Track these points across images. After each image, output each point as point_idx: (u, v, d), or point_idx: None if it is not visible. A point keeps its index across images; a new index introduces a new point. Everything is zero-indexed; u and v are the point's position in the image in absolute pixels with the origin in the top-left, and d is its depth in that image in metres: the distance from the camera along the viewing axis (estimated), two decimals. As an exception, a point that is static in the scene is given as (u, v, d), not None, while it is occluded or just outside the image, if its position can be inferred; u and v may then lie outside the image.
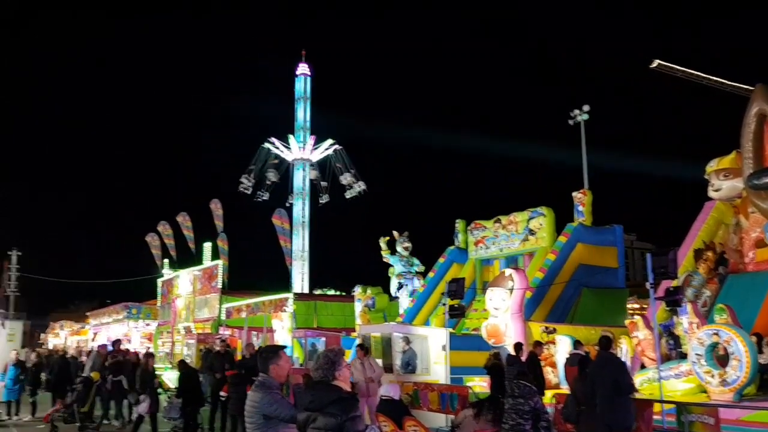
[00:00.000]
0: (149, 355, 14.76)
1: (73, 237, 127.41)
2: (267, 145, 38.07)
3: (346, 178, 37.86)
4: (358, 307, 21.88)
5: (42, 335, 51.31)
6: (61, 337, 46.02)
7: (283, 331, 22.10)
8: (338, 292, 32.77)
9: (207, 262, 27.81)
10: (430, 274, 22.26)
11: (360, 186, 37.98)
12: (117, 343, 16.88)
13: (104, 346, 17.20)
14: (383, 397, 9.51)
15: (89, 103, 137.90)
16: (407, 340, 14.95)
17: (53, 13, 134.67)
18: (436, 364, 14.84)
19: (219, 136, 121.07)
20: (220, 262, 25.85)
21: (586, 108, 24.03)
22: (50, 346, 41.34)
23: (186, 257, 31.93)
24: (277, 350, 5.12)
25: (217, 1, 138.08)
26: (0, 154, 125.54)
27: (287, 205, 38.20)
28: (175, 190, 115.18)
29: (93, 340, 35.53)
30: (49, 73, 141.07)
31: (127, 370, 14.37)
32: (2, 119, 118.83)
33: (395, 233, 22.93)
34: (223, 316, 23.63)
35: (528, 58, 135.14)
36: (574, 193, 19.83)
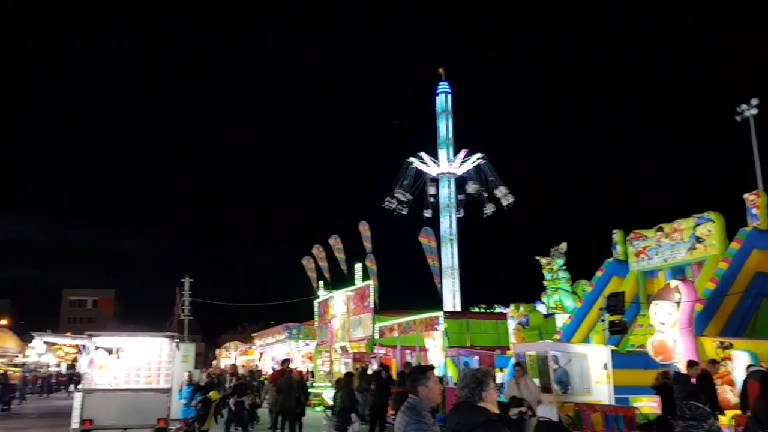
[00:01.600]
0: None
1: (239, 262, 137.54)
2: (412, 159, 38.71)
3: (500, 191, 37.43)
4: (511, 324, 21.51)
5: (214, 355, 55.62)
6: (232, 357, 49.62)
7: (435, 349, 22.22)
8: (483, 309, 32.39)
9: (358, 282, 28.72)
10: (588, 289, 21.39)
11: (509, 199, 37.42)
12: (286, 362, 18.00)
13: (233, 365, 18.37)
14: (541, 419, 9.28)
15: (248, 136, 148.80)
16: (556, 359, 14.46)
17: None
18: (597, 384, 14.19)
19: (364, 158, 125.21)
20: (371, 283, 26.60)
21: (755, 102, 21.97)
22: (222, 366, 44.69)
23: (339, 278, 33.24)
24: (425, 371, 4.83)
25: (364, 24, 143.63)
26: (172, 192, 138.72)
27: (425, 217, 38.45)
28: (329, 213, 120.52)
29: (259, 359, 37.89)
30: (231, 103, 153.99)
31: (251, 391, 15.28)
32: (170, 158, 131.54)
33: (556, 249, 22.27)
34: (377, 335, 24.24)
35: (687, 47, 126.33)
36: (746, 195, 18.25)
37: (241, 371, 31.20)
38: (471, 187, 38.14)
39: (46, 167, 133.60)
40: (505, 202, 37.51)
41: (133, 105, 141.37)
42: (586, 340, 19.24)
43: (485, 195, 37.87)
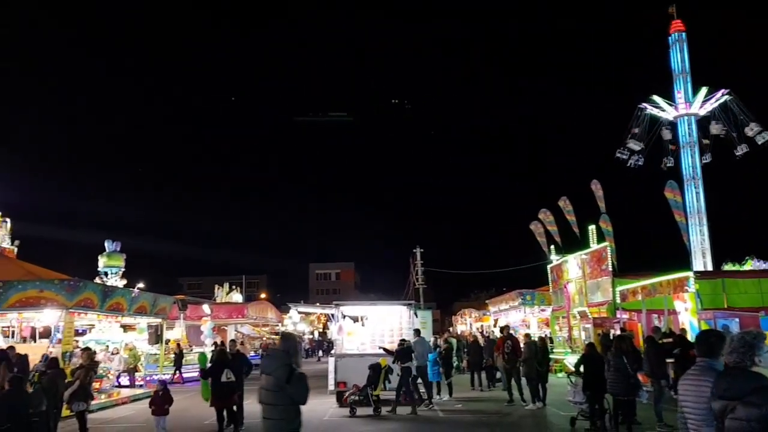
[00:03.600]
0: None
1: (466, 231, 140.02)
2: (644, 105, 35.94)
3: (752, 129, 33.30)
4: (779, 282, 19.10)
5: (451, 322, 57.53)
6: (467, 323, 50.94)
7: (686, 312, 20.63)
8: (737, 266, 29.04)
9: (593, 245, 27.59)
10: None
11: (765, 137, 33.10)
12: (504, 329, 18.31)
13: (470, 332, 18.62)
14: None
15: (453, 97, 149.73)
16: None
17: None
18: None
19: (586, 113, 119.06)
20: (606, 244, 25.40)
21: None
22: (458, 332, 46.10)
23: (571, 241, 32.25)
24: (724, 337, 4.56)
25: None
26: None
27: (663, 168, 35.42)
28: (552, 176, 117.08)
29: (494, 326, 38.31)
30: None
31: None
32: (408, 141, 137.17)
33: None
34: (618, 299, 23.14)
35: None
36: None
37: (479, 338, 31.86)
38: (714, 128, 34.38)
39: (305, 152, 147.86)
40: (760, 141, 33.29)
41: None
42: None
43: (734, 135, 33.90)
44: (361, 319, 21.16)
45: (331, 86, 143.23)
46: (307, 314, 55.84)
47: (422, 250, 51.11)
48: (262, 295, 63.34)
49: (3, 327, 24.95)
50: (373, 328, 20.18)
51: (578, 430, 13.15)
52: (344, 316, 20.70)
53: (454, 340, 26.97)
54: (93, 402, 14.68)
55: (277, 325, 50.93)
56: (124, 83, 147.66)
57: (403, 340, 17.67)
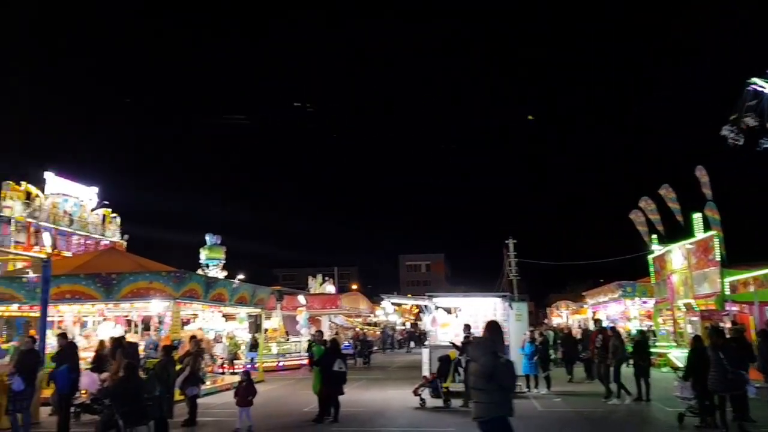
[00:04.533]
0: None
1: (560, 222, 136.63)
2: (754, 79, 33.73)
3: None
4: None
5: (545, 314, 56.44)
6: (563, 316, 49.85)
7: (806, 305, 19.38)
8: None
9: (699, 234, 26.28)
10: None
11: None
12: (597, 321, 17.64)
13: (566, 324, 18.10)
14: None
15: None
16: None
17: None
18: None
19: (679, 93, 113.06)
20: (714, 233, 24.12)
21: None
22: (554, 324, 45.19)
23: (675, 231, 30.78)
24: None
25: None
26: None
27: (759, 149, 32.98)
28: (653, 163, 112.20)
29: (592, 318, 37.33)
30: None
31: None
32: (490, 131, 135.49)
33: None
34: (727, 291, 21.98)
35: None
36: None
37: (574, 331, 31.11)
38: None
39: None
40: None
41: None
42: None
43: None
44: (455, 311, 21.17)
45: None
46: (400, 305, 56.36)
47: (515, 241, 50.31)
48: (354, 287, 64.37)
49: (118, 317, 26.66)
50: (466, 319, 20.14)
51: (687, 426, 12.64)
52: (437, 308, 20.77)
53: (551, 333, 26.50)
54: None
55: (369, 316, 51.72)
56: (215, 85, 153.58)
57: (468, 333, 17.59)
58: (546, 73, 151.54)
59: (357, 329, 45.06)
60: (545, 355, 20.83)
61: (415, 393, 16.83)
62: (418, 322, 55.61)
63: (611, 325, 23.68)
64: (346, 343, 34.88)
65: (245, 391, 13.00)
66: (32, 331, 20.06)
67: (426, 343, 21.36)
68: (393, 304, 51.26)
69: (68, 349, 13.66)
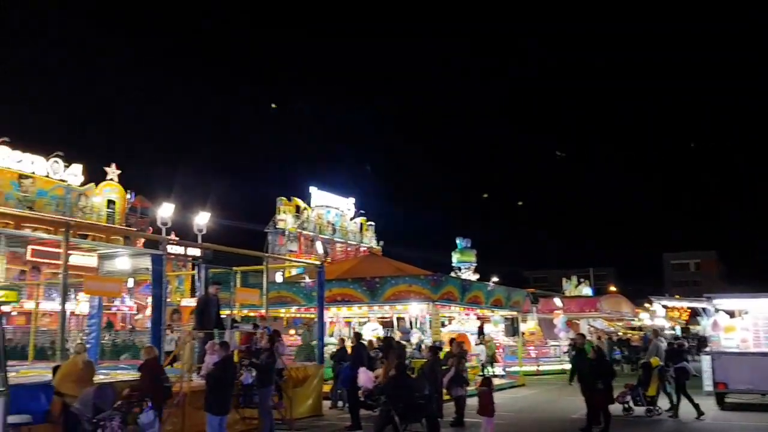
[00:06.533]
0: None
1: None
2: None
3: None
4: None
5: None
6: None
7: None
8: None
9: None
10: None
11: None
12: None
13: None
14: None
15: None
16: None
17: None
18: None
19: None
20: None
21: None
22: None
23: None
24: None
25: None
26: None
27: None
28: None
29: None
30: None
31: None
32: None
33: None
34: None
35: None
36: None
37: None
38: None
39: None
40: None
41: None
42: None
43: None
44: (739, 314, 19.01)
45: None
46: (672, 308, 52.35)
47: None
48: (611, 288, 61.22)
49: (378, 318, 28.54)
50: (756, 323, 17.94)
51: None
52: (717, 310, 18.83)
53: None
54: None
55: (632, 320, 48.76)
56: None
57: (677, 337, 15.82)
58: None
59: (619, 333, 42.79)
60: None
61: (618, 400, 15.94)
62: (689, 327, 51.18)
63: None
64: (616, 350, 33.06)
65: (487, 400, 11.89)
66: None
67: (706, 349, 19.49)
68: (664, 306, 47.88)
69: (356, 349, 15.19)
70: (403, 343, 19.73)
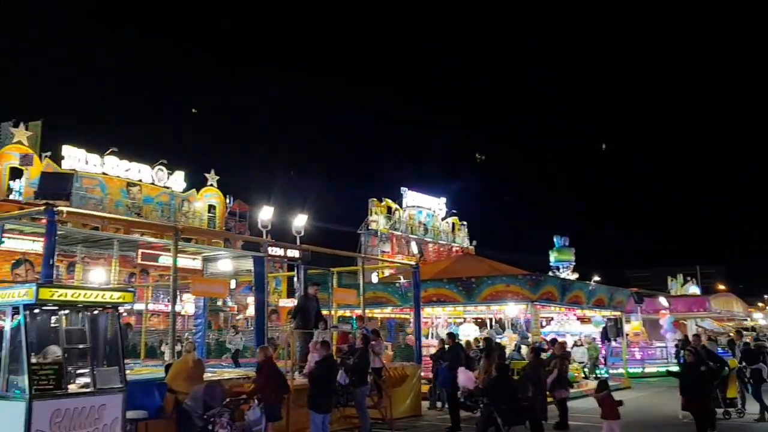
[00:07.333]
0: None
1: None
2: None
3: None
4: None
5: None
6: None
7: None
8: None
9: None
10: None
11: None
12: None
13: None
14: None
15: None
16: None
17: None
18: None
19: None
20: None
21: None
22: None
23: None
24: None
25: None
26: None
27: None
28: None
29: None
30: None
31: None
32: None
33: None
34: None
35: None
36: None
37: None
38: None
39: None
40: None
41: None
42: None
43: None
44: None
45: None
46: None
47: None
48: (720, 287, 57.96)
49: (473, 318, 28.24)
50: None
51: None
52: None
53: None
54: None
55: (745, 320, 46.10)
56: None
57: (757, 338, 14.76)
58: None
59: (731, 334, 40.52)
60: None
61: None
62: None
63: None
64: (720, 350, 31.35)
65: (610, 402, 11.28)
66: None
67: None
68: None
69: (452, 348, 15.10)
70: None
